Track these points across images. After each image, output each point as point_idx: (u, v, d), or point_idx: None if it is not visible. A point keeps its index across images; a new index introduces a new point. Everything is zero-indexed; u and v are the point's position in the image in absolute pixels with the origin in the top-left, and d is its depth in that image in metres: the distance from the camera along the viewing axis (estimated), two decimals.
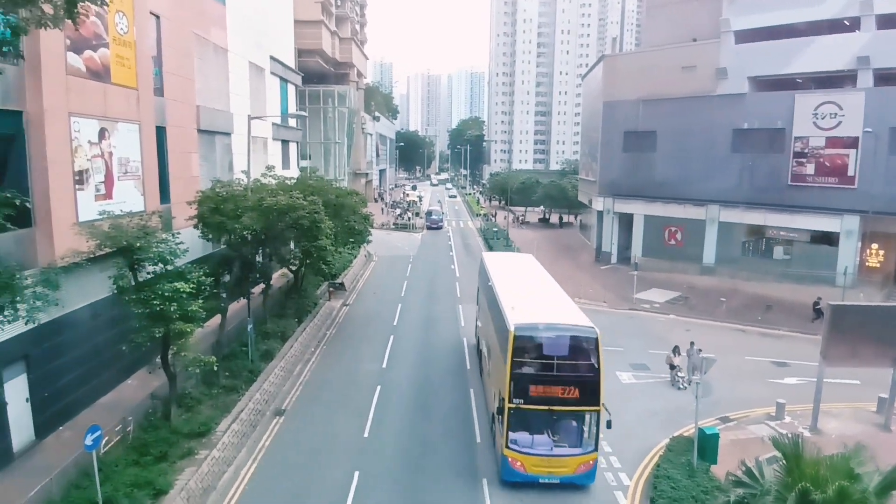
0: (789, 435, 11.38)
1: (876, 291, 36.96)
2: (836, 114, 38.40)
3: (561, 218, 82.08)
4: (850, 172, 38.20)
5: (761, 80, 42.51)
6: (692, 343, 25.11)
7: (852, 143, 38.00)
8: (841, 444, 11.96)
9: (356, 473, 17.22)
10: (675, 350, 25.46)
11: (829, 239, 39.57)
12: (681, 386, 24.50)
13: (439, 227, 72.78)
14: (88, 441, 13.56)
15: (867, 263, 38.98)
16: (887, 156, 36.60)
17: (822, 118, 38.89)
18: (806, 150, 39.87)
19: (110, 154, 19.68)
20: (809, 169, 39.84)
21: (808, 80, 41.77)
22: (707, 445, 17.02)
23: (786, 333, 32.70)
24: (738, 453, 18.53)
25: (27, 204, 14.93)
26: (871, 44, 37.19)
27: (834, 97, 38.82)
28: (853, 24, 38.78)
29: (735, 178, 43.15)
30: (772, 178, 41.52)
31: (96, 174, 18.93)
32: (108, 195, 19.57)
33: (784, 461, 10.76)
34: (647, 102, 47.31)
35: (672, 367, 25.13)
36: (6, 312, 11.29)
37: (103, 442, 15.47)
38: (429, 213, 76.83)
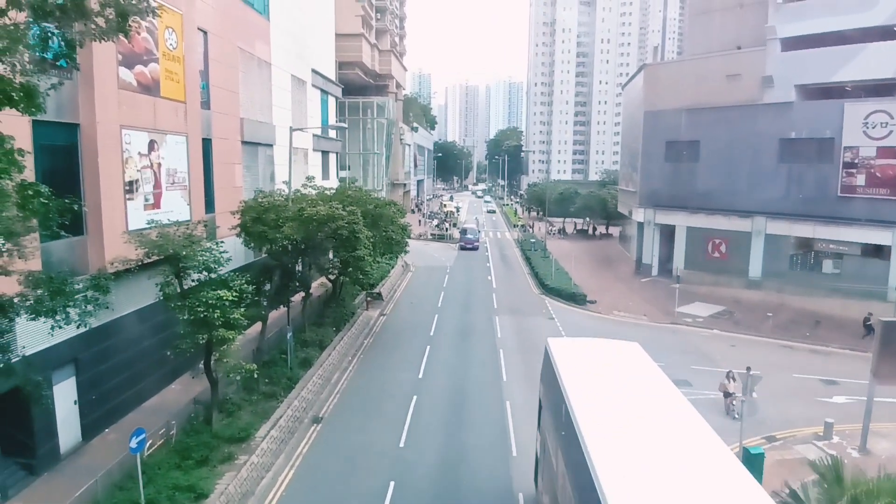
0: (828, 457, 10.96)
1: None
2: (887, 123, 37.02)
3: (594, 228, 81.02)
4: None
5: (809, 88, 41.31)
6: (748, 368, 21.57)
7: None
8: (891, 465, 11.47)
9: (391, 483, 17.24)
10: (730, 375, 22.89)
11: (881, 252, 38.01)
12: (735, 415, 21.36)
13: (475, 248, 62.83)
14: (133, 444, 13.94)
15: None
16: None
17: (873, 127, 37.54)
18: (856, 161, 38.51)
19: (159, 165, 20.34)
20: (860, 180, 38.43)
21: (857, 88, 40.39)
22: (752, 465, 16.41)
23: (835, 350, 31.51)
24: (785, 474, 17.90)
25: (84, 209, 15.50)
26: None
27: (885, 106, 37.41)
28: None
29: (782, 188, 41.93)
30: (820, 189, 40.20)
31: (145, 184, 19.58)
32: (157, 205, 20.20)
33: (825, 484, 10.40)
34: (691, 111, 46.48)
35: (727, 394, 22.85)
36: (58, 317, 11.71)
37: (147, 445, 15.89)
38: (463, 231, 66.46)
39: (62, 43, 10.52)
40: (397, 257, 44.84)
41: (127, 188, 18.53)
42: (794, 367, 28.60)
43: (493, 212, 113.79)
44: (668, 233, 49.04)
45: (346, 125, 53.69)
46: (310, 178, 30.22)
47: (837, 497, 10.02)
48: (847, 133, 38.57)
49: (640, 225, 51.34)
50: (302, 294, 28.89)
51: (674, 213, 48.12)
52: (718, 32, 47.51)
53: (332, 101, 47.01)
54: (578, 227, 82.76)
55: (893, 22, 37.65)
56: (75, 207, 11.34)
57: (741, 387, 22.00)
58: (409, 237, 37.13)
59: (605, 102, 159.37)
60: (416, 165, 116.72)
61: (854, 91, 40.60)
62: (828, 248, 40.84)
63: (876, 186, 37.82)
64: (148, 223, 18.68)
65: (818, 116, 40.30)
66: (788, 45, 41.57)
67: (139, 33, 18.55)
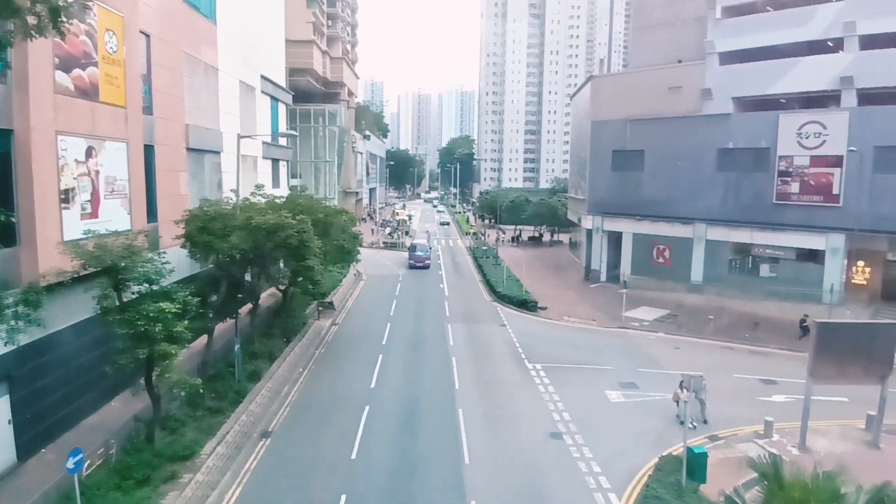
0: (767, 456, 11.33)
1: (862, 308, 37.22)
2: (820, 133, 38.98)
3: (541, 234, 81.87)
4: (835, 191, 38.67)
5: (746, 100, 43.16)
6: (701, 376, 22.12)
7: (836, 161, 38.53)
8: (830, 462, 11.94)
9: (343, 496, 16.97)
10: (683, 384, 22.40)
11: (815, 257, 39.94)
12: (690, 425, 20.90)
13: (426, 267, 57.10)
14: (70, 464, 13.37)
15: (853, 281, 39.33)
16: (871, 174, 37.15)
17: (807, 137, 39.46)
18: (790, 169, 40.38)
19: (97, 173, 19.58)
20: (794, 187, 40.31)
21: (791, 100, 42.40)
22: (696, 465, 16.94)
23: (773, 351, 32.80)
24: (727, 472, 18.51)
25: (12, 219, 14.69)
26: (855, 64, 37.87)
27: (818, 117, 39.42)
28: (836, 45, 39.49)
29: (721, 196, 43.59)
30: (757, 197, 41.97)
31: (82, 193, 18.81)
32: (94, 214, 19.43)
33: (765, 482, 10.72)
34: (635, 122, 47.84)
35: (679, 402, 22.51)
36: None
37: (85, 465, 15.22)
38: (412, 248, 59.80)
39: None
40: (349, 266, 44.43)
41: (63, 197, 17.75)
42: (735, 367, 29.64)
43: (447, 224, 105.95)
44: (615, 239, 50.25)
45: (296, 133, 52.99)
46: (259, 187, 29.66)
47: (782, 497, 10.29)
48: (782, 143, 40.43)
49: (589, 232, 52.43)
50: (250, 305, 28.27)
51: (620, 220, 49.35)
52: (661, 46, 49.16)
53: (282, 109, 46.33)
54: (530, 234, 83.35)
55: (826, 37, 39.72)
56: (1, 219, 10.79)
57: (693, 396, 21.83)
58: (361, 246, 36.87)
59: (555, 112, 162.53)
60: (368, 173, 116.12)
61: (788, 103, 42.61)
62: (765, 252, 42.70)
63: (810, 194, 39.74)
64: (85, 233, 17.92)
65: (754, 127, 42.13)
66: (726, 59, 43.38)
67: (77, 35, 17.90)
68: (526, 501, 17.17)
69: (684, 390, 22.05)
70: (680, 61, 46.36)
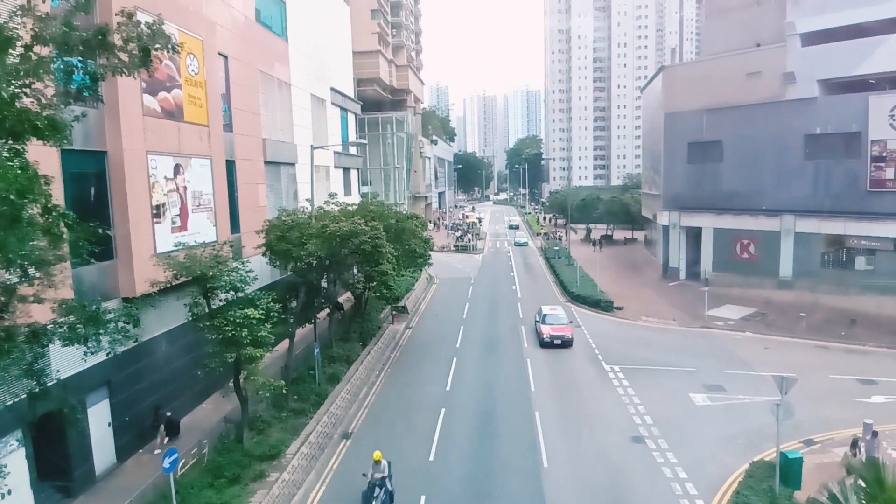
0: (863, 458, 10.61)
1: None
2: None
3: (598, 236, 77.52)
4: None
5: (832, 82, 40.55)
6: (872, 429, 18.23)
7: None
8: None
9: (423, 497, 17.16)
10: (855, 445, 18.13)
11: None
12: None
13: None
14: (166, 464, 14.12)
15: None
16: None
17: None
18: (884, 154, 37.60)
19: (185, 188, 20.72)
20: (889, 173, 37.50)
21: (881, 80, 39.54)
22: (790, 470, 16.06)
23: (872, 349, 30.67)
24: (824, 478, 17.38)
25: (108, 233, 15.61)
26: None
27: None
28: None
29: (810, 186, 41.15)
30: (849, 185, 39.34)
31: (172, 208, 19.95)
32: (184, 227, 20.56)
33: (866, 487, 10.04)
34: (711, 112, 45.95)
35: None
36: (90, 344, 11.89)
37: (180, 464, 16.07)
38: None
39: (86, 76, 10.76)
40: (421, 270, 44.92)
41: (154, 212, 18.90)
42: (830, 367, 27.89)
43: (526, 244, 78.27)
44: (694, 235, 48.40)
45: (365, 141, 54.23)
46: (332, 195, 30.52)
47: (883, 500, 9.67)
48: (873, 126, 37.74)
49: (665, 228, 50.73)
50: (328, 310, 29.04)
51: (699, 215, 47.48)
52: (736, 30, 47.02)
53: (351, 118, 47.49)
54: (603, 233, 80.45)
55: None
56: (100, 231, 11.52)
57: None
58: (432, 250, 37.20)
59: (625, 107, 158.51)
60: (436, 178, 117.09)
61: (878, 83, 39.76)
62: (860, 244, 39.89)
63: None
64: (175, 245, 19.00)
65: (843, 111, 39.50)
66: (809, 40, 40.93)
67: (161, 61, 18.98)
68: None
69: (859, 451, 17.91)
70: (758, 45, 44.12)
